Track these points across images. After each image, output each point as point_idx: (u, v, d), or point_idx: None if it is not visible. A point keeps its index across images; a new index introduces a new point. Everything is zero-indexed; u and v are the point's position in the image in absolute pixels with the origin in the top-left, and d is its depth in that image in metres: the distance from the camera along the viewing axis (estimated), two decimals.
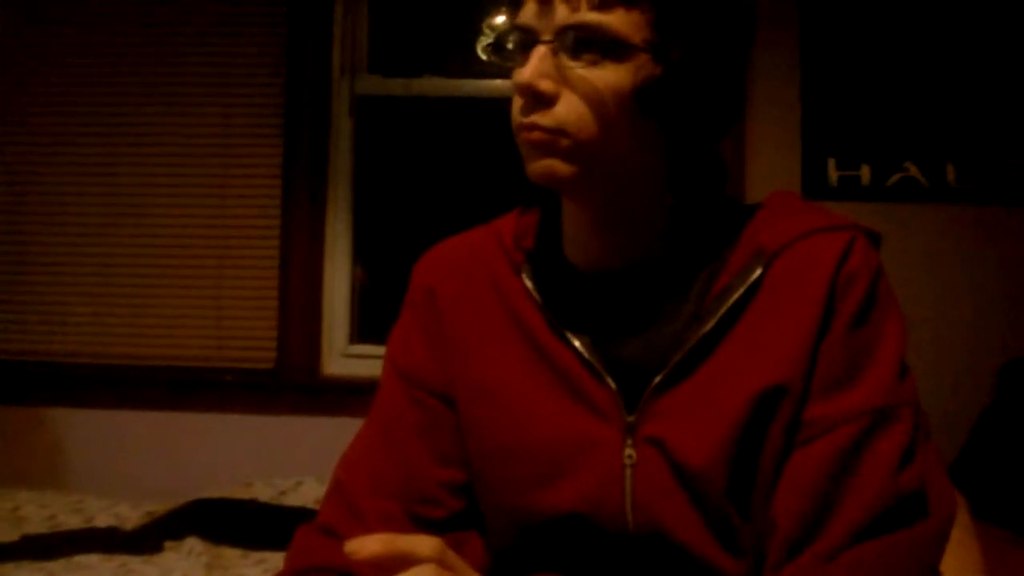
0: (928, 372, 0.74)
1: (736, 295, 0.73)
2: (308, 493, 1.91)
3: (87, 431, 2.25)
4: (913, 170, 2.17)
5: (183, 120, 2.31)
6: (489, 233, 0.85)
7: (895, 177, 2.17)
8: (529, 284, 0.79)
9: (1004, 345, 2.08)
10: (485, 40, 0.78)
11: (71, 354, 2.30)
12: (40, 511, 1.85)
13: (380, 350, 0.88)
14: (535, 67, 0.71)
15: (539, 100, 0.71)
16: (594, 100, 0.70)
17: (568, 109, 0.70)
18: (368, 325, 2.38)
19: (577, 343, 0.76)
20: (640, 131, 0.72)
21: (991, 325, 2.12)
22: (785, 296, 0.73)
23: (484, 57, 0.78)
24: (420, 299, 0.85)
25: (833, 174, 2.17)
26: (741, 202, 0.82)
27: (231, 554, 1.64)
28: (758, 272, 0.73)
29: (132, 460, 2.23)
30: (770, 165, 2.16)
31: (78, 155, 2.33)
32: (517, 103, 0.73)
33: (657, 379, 0.73)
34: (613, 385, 0.74)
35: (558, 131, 0.71)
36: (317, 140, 2.30)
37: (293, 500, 1.89)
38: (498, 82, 2.31)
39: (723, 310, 0.73)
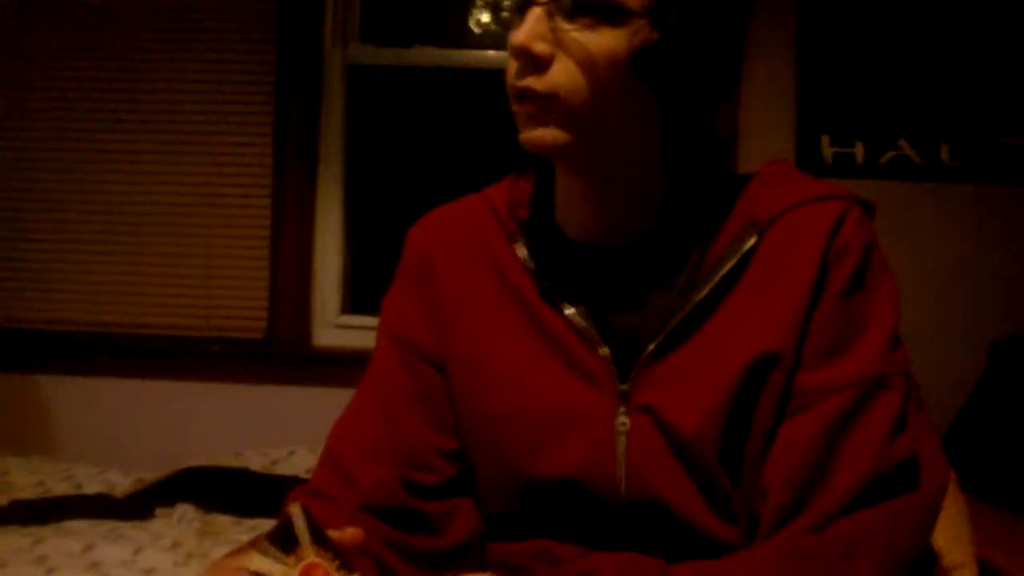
0: (919, 349, 0.74)
1: (729, 264, 0.73)
2: (300, 463, 1.91)
3: (76, 399, 2.25)
4: (907, 148, 2.17)
5: (173, 87, 2.28)
6: (483, 200, 0.85)
7: (889, 155, 2.17)
8: (523, 253, 0.79)
9: (995, 323, 2.09)
10: (479, 11, 0.77)
11: (61, 321, 2.28)
12: (29, 477, 1.84)
13: (372, 321, 0.87)
14: (530, 29, 0.70)
15: (533, 63, 0.70)
16: (589, 64, 0.69)
17: (562, 73, 0.70)
18: (360, 296, 2.38)
19: (570, 312, 0.76)
20: (635, 98, 0.71)
21: (982, 303, 2.14)
22: (778, 265, 0.73)
23: (477, 30, 0.77)
24: (414, 265, 0.84)
25: (827, 151, 2.17)
26: (736, 173, 0.81)
27: (223, 521, 1.64)
28: (752, 241, 0.73)
29: (121, 428, 2.22)
30: (764, 141, 2.16)
31: (68, 121, 2.29)
32: (512, 66, 0.72)
33: (650, 347, 0.73)
34: (607, 353, 0.74)
35: (551, 96, 0.70)
36: (308, 109, 2.28)
37: (285, 469, 1.89)
38: (491, 53, 2.29)
39: (716, 279, 0.73)
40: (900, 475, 0.68)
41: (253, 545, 0.67)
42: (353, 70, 2.35)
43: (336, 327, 2.31)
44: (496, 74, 0.77)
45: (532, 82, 0.70)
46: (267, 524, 1.57)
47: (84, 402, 2.24)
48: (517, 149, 0.75)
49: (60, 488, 1.80)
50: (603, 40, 0.69)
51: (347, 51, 2.33)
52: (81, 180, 2.29)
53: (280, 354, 2.25)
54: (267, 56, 2.27)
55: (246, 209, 2.28)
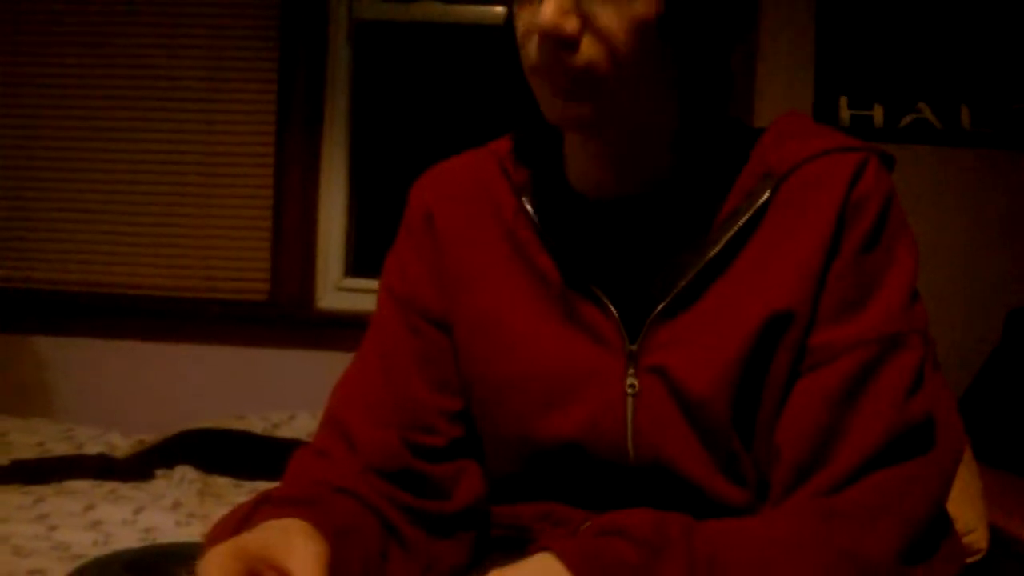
0: (934, 316, 0.72)
1: (743, 219, 0.70)
2: (302, 426, 1.90)
3: (77, 360, 2.24)
4: (927, 112, 2.12)
5: (175, 43, 2.24)
6: (489, 155, 0.82)
7: (908, 118, 2.12)
8: (530, 209, 0.76)
9: (1012, 291, 2.06)
10: None
11: (62, 283, 2.27)
12: (29, 438, 1.84)
13: (376, 284, 0.85)
14: (555, 6, 0.64)
15: (563, 42, 0.66)
16: (621, 35, 0.65)
17: (595, 47, 0.66)
18: (364, 258, 2.35)
19: (578, 270, 0.73)
20: (660, 57, 0.68)
21: (999, 271, 2.10)
22: (794, 219, 0.70)
23: None
24: (417, 223, 0.81)
25: (845, 113, 2.12)
26: (750, 125, 0.78)
27: (223, 483, 1.63)
28: (766, 195, 0.70)
29: (122, 390, 2.21)
30: (781, 101, 2.11)
31: (62, 78, 2.26)
32: (533, 43, 0.68)
33: (660, 306, 0.71)
34: (615, 313, 0.72)
35: (586, 73, 0.66)
36: (313, 67, 2.23)
37: (286, 433, 1.88)
38: (499, 9, 2.23)
39: (729, 235, 0.70)
40: (917, 434, 0.66)
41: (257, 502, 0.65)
42: (360, 26, 2.30)
43: (340, 290, 2.29)
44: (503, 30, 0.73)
45: (565, 58, 0.66)
46: (268, 487, 1.57)
47: (85, 364, 2.23)
48: (522, 105, 0.72)
49: (61, 449, 1.80)
50: (632, 8, 0.65)
51: (352, 5, 2.28)
52: (81, 140, 2.26)
53: (283, 317, 2.23)
54: (270, 11, 2.22)
55: (249, 169, 2.25)
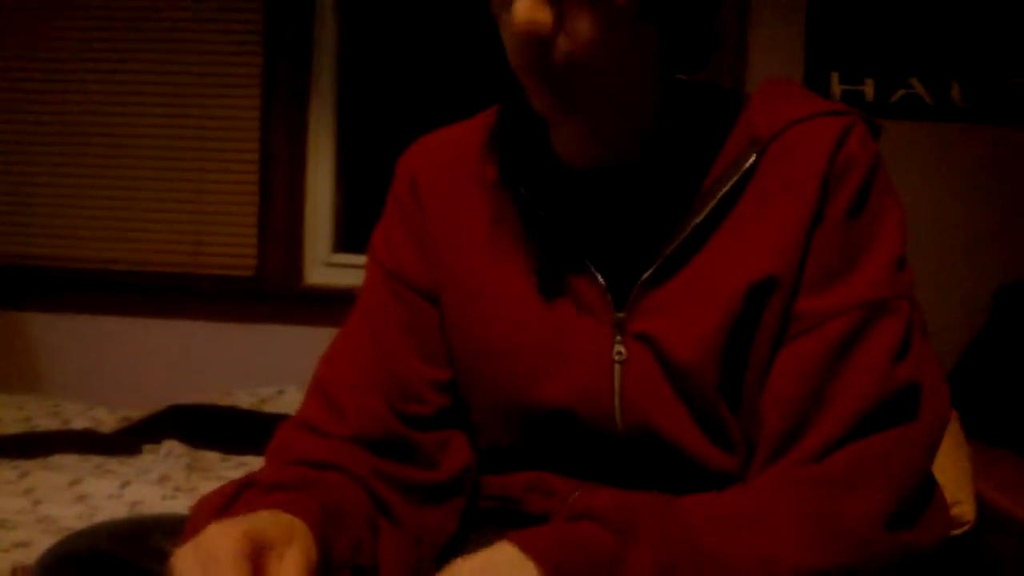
0: (924, 292, 0.71)
1: (728, 185, 0.69)
2: (289, 402, 1.89)
3: (65, 336, 2.22)
4: (918, 87, 2.11)
5: (162, 15, 2.21)
6: (476, 126, 0.81)
7: (899, 93, 2.12)
8: (516, 179, 0.75)
9: (1003, 267, 2.06)
10: None
11: (49, 258, 2.25)
12: (15, 413, 1.83)
13: (363, 260, 0.85)
14: (528, 5, 0.63)
15: (540, 41, 0.64)
16: (599, 21, 0.64)
17: (574, 39, 0.64)
18: (352, 234, 2.33)
19: (565, 239, 0.72)
20: (639, 36, 0.67)
21: (990, 247, 2.10)
22: (779, 184, 0.69)
23: None
24: (403, 194, 0.81)
25: (836, 88, 2.11)
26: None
27: (210, 457, 1.63)
28: (751, 160, 0.70)
29: (109, 366, 2.20)
30: (772, 76, 2.09)
31: (54, 59, 2.23)
32: (513, 39, 0.66)
33: (646, 274, 0.70)
34: (602, 281, 0.71)
35: (567, 69, 0.65)
36: (300, 39, 2.21)
37: (274, 408, 1.88)
38: None
39: (714, 201, 0.69)
40: (902, 401, 0.65)
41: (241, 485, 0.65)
42: None
43: (327, 265, 2.28)
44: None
45: (544, 58, 0.65)
46: (255, 461, 1.58)
47: (72, 339, 2.22)
48: (507, 85, 0.71)
49: (47, 424, 1.79)
50: (607, 2, 0.64)
51: None
52: (67, 115, 2.24)
53: (270, 292, 2.22)
54: None
55: (235, 143, 2.23)
